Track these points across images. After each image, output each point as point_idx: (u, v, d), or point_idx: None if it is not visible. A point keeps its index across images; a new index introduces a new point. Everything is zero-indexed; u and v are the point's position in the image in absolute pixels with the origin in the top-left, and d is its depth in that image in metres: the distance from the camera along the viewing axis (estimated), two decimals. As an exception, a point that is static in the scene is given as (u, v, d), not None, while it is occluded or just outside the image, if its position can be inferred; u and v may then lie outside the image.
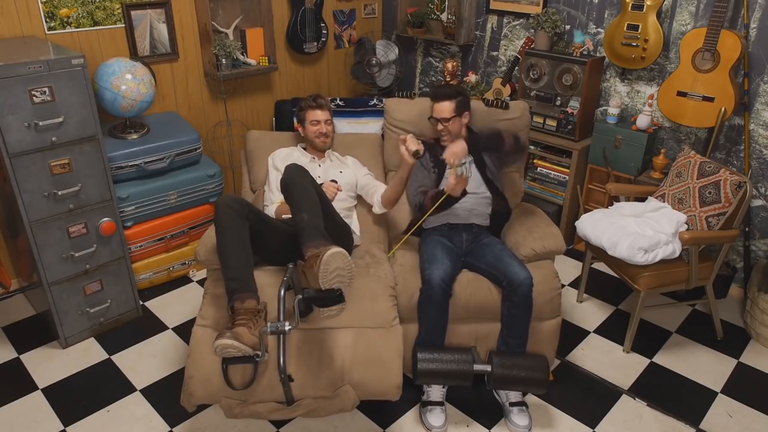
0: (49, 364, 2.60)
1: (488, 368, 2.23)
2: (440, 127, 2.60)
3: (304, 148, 2.80)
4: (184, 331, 2.82)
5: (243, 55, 3.54)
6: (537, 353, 2.39)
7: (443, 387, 2.39)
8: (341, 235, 2.39)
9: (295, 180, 2.17)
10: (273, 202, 2.60)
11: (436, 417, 2.28)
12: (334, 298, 1.89)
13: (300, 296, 1.94)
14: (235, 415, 2.02)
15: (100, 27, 2.99)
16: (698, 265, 2.61)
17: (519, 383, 2.24)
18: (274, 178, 2.66)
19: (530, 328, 2.34)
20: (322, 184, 2.44)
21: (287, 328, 1.91)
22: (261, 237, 2.23)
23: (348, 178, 2.70)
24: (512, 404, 2.33)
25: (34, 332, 2.81)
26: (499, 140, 2.49)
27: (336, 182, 2.60)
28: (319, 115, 2.71)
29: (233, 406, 2.01)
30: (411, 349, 2.37)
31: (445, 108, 2.58)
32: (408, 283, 2.36)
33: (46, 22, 2.80)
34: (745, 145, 2.96)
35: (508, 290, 2.28)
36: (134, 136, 2.94)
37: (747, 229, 3.04)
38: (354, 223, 2.67)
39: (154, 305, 3.03)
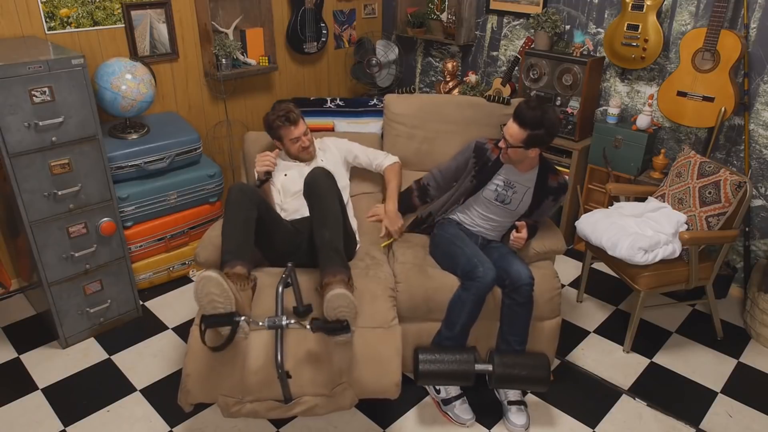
0: (49, 364, 2.60)
1: (489, 367, 2.23)
2: (502, 144, 2.34)
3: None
4: (184, 331, 2.82)
5: (243, 55, 3.54)
6: (538, 351, 2.39)
7: None
8: (346, 244, 2.39)
9: (322, 188, 2.15)
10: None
11: (463, 410, 2.31)
12: (341, 328, 1.95)
13: (310, 325, 1.97)
14: (232, 413, 2.01)
15: (100, 27, 2.99)
16: (698, 265, 2.61)
17: (520, 382, 2.25)
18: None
19: (530, 327, 2.34)
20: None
21: (284, 322, 1.92)
22: (266, 229, 2.23)
23: (333, 158, 2.68)
24: (510, 402, 2.33)
25: (34, 332, 2.81)
26: (563, 192, 2.46)
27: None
28: (295, 132, 2.56)
29: (230, 404, 2.01)
30: (411, 348, 2.37)
31: (514, 133, 2.26)
32: (410, 282, 2.35)
33: (46, 22, 2.80)
34: (745, 145, 2.95)
35: (510, 288, 2.28)
36: (134, 136, 2.95)
37: (747, 229, 3.04)
38: (352, 220, 2.65)
39: (154, 305, 3.03)
